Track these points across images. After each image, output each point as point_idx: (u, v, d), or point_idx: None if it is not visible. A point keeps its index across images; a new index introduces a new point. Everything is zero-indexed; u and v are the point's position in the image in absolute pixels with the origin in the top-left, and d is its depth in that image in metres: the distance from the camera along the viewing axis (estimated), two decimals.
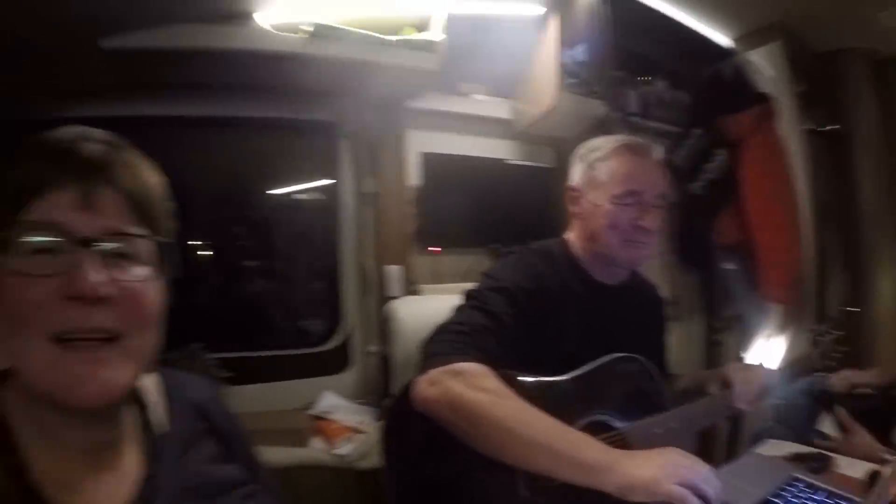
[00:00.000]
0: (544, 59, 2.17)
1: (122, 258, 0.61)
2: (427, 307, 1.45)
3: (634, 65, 2.52)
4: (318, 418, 1.96)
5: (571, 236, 1.35)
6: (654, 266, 2.39)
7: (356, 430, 1.87)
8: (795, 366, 1.51)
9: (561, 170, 1.37)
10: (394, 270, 2.17)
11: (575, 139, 2.16)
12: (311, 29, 1.48)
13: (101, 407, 0.61)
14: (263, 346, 2.22)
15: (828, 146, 2.52)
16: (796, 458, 1.22)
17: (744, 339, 2.38)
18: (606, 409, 1.16)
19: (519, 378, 1.10)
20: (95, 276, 0.57)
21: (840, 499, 1.03)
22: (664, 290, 2.38)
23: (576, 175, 1.33)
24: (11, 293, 0.57)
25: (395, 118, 2.18)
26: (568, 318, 1.24)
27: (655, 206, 1.25)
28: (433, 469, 1.13)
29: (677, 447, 0.93)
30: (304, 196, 2.44)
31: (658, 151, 1.31)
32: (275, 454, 1.61)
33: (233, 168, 2.28)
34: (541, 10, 2.11)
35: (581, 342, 1.22)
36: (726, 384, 1.29)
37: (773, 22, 2.33)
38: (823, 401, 1.53)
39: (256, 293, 2.46)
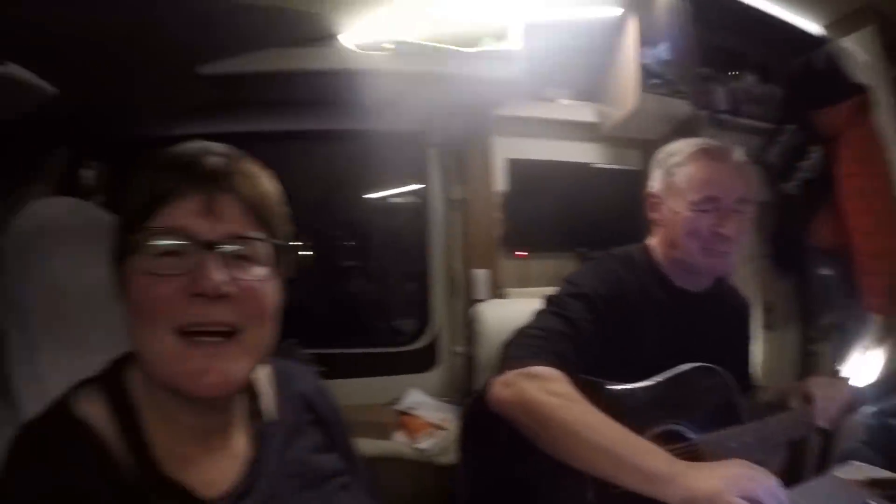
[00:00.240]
0: (625, 60, 2.15)
1: (241, 259, 0.66)
2: (511, 310, 1.48)
3: (720, 60, 2.43)
4: (403, 413, 2.06)
5: (653, 242, 1.34)
6: (746, 271, 2.31)
7: (438, 427, 1.95)
8: (891, 382, 1.40)
9: (647, 172, 1.36)
10: (481, 274, 2.23)
11: (661, 141, 2.13)
12: (393, 46, 1.57)
13: (220, 397, 0.67)
14: (356, 344, 2.36)
15: None
16: (873, 484, 1.13)
17: (841, 351, 2.23)
18: (681, 419, 1.15)
19: (593, 383, 1.11)
20: (217, 275, 0.62)
21: None
22: (756, 297, 2.32)
23: (655, 181, 1.32)
24: (141, 290, 0.63)
25: (480, 126, 2.23)
26: (647, 326, 1.23)
27: (736, 211, 1.21)
28: (505, 468, 1.16)
29: (751, 462, 0.92)
30: (398, 199, 2.59)
31: (739, 154, 1.26)
32: (360, 445, 1.70)
33: (330, 175, 2.47)
34: (618, 11, 2.09)
35: (660, 350, 1.21)
36: (808, 399, 1.22)
37: (865, 5, 2.14)
38: None
39: (351, 292, 2.66)
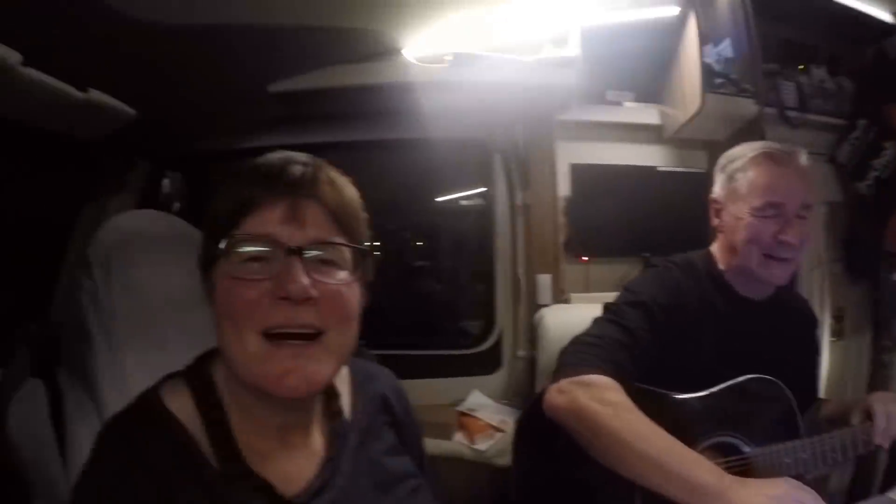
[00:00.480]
0: (686, 60, 2.10)
1: (325, 264, 0.67)
2: (573, 316, 1.49)
3: (787, 54, 2.36)
4: (464, 414, 2.09)
5: (715, 249, 1.32)
6: (815, 276, 2.23)
7: (497, 429, 1.97)
8: None
9: (713, 175, 1.35)
10: (544, 279, 2.23)
11: (727, 141, 2.10)
12: (452, 58, 1.60)
13: (303, 397, 0.68)
14: (424, 346, 2.41)
15: None
16: None
17: None
18: (736, 431, 1.14)
19: (649, 392, 1.12)
20: (302, 279, 0.63)
21: None
22: (825, 304, 2.24)
23: (717, 186, 1.30)
24: (230, 294, 0.65)
25: (543, 132, 2.23)
26: (707, 335, 1.22)
27: (799, 218, 1.18)
28: (557, 472, 1.18)
29: (806, 478, 0.92)
30: (467, 202, 2.66)
31: (802, 157, 1.23)
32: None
33: (401, 181, 2.57)
34: (675, 10, 2.05)
35: (719, 359, 1.20)
36: (868, 416, 1.15)
37: None
38: None
39: (421, 293, 2.76)
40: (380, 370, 0.93)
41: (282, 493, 0.68)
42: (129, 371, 1.19)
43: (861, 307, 2.38)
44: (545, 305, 2.17)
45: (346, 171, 0.75)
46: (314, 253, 0.67)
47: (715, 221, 1.30)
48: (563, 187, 2.28)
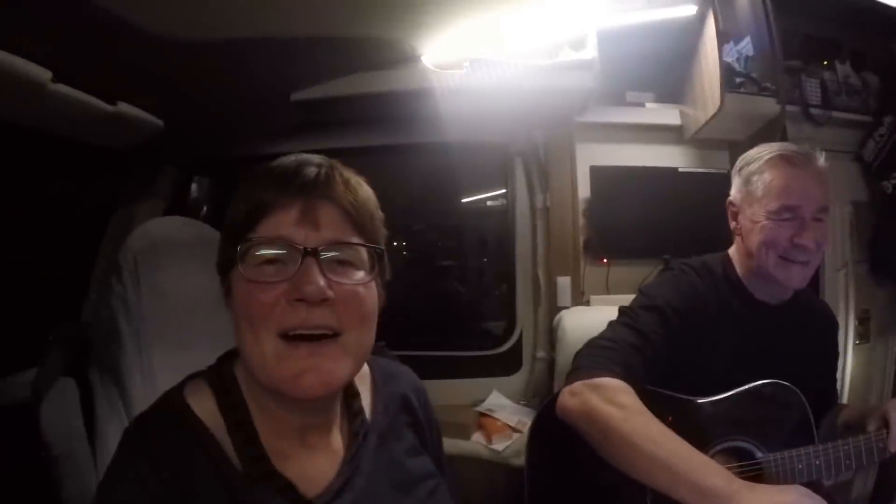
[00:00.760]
0: (706, 60, 2.08)
1: (341, 264, 0.68)
2: (592, 318, 1.50)
3: (810, 50, 2.30)
4: (483, 415, 2.10)
5: (733, 252, 1.31)
6: (839, 278, 2.19)
7: (515, 429, 1.98)
8: None
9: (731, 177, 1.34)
10: (564, 281, 2.24)
11: (749, 141, 2.07)
12: (469, 64, 1.62)
13: (320, 398, 0.68)
14: (446, 346, 2.44)
15: None
16: None
17: None
18: (750, 435, 1.14)
19: (662, 395, 1.13)
20: (318, 280, 0.64)
21: None
22: (849, 306, 2.19)
23: (734, 189, 1.29)
24: (246, 297, 0.65)
25: (562, 134, 2.24)
26: (722, 339, 1.21)
27: (816, 220, 1.17)
28: (569, 474, 1.19)
29: (827, 484, 0.91)
30: (491, 203, 2.69)
31: (820, 159, 1.21)
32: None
33: (424, 183, 2.64)
34: (693, 9, 2.03)
35: (735, 363, 1.19)
36: (885, 423, 1.12)
37: None
38: None
39: (442, 296, 2.80)
40: (401, 370, 0.92)
41: (303, 493, 0.68)
42: (156, 370, 1.24)
43: (887, 309, 2.32)
44: (565, 307, 2.18)
45: (372, 175, 0.75)
46: (330, 254, 0.67)
47: (732, 224, 1.30)
48: (584, 189, 2.28)
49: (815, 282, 1.96)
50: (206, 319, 1.21)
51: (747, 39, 2.12)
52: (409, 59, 1.60)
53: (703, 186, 2.29)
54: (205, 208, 2.37)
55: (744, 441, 1.14)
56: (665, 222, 2.27)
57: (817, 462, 1.10)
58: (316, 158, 0.71)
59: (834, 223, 2.20)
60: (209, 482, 0.64)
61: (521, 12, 1.49)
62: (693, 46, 2.14)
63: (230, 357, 0.74)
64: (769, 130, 2.07)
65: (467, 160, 2.39)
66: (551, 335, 2.16)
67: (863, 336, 2.24)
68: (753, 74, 2.08)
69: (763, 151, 1.24)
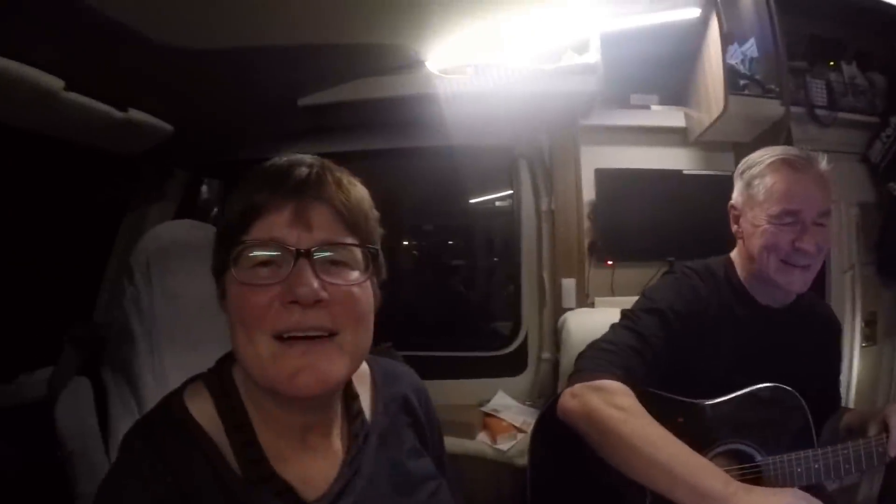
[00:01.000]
0: (709, 62, 2.08)
1: (335, 265, 0.67)
2: (595, 320, 1.50)
3: (815, 51, 2.30)
4: (488, 415, 2.12)
5: (735, 255, 1.31)
6: (846, 280, 2.19)
7: (519, 430, 2.00)
8: None
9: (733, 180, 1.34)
10: (569, 283, 2.25)
11: (754, 143, 2.07)
12: (473, 69, 1.64)
13: (316, 396, 0.66)
14: (453, 347, 2.45)
15: None
16: None
17: None
18: (750, 438, 1.14)
19: (662, 398, 1.14)
20: (311, 282, 0.63)
21: None
22: (856, 308, 2.18)
23: (735, 192, 1.29)
24: (240, 299, 0.65)
25: (567, 137, 2.25)
26: (724, 342, 1.22)
27: (817, 225, 1.17)
28: (570, 474, 1.21)
29: (832, 487, 0.91)
30: (498, 204, 2.71)
31: (822, 163, 1.21)
32: (447, 443, 1.80)
33: (433, 184, 2.66)
34: (696, 11, 2.03)
35: (736, 367, 1.20)
36: (886, 427, 1.11)
37: None
38: None
39: (449, 297, 2.84)
40: (402, 370, 0.91)
41: (303, 496, 0.68)
42: (168, 370, 1.28)
43: (893, 311, 2.32)
44: (570, 309, 2.19)
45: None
46: (323, 255, 0.66)
47: (734, 228, 1.30)
48: (588, 192, 2.29)
49: (821, 284, 1.96)
50: (214, 321, 1.24)
51: (752, 41, 2.12)
52: (413, 64, 1.62)
53: (708, 189, 2.27)
54: (215, 210, 2.41)
55: (744, 444, 1.14)
56: (670, 224, 2.27)
57: (816, 466, 1.10)
58: (308, 159, 0.71)
59: (840, 225, 2.21)
60: (208, 485, 0.64)
61: (523, 17, 1.49)
62: (697, 49, 2.14)
63: (229, 359, 0.74)
64: (774, 132, 2.06)
65: (473, 163, 2.41)
66: (556, 336, 2.17)
67: (869, 338, 2.24)
68: (758, 76, 2.08)
69: (765, 155, 1.24)
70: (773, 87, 2.07)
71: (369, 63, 1.57)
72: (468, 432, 2.01)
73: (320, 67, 1.48)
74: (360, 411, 0.79)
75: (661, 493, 0.98)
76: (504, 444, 1.92)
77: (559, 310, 2.22)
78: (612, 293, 2.28)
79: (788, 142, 1.95)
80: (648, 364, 1.14)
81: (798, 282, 1.20)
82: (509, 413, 2.12)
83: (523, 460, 1.86)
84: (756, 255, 1.21)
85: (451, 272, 2.89)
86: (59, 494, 1.22)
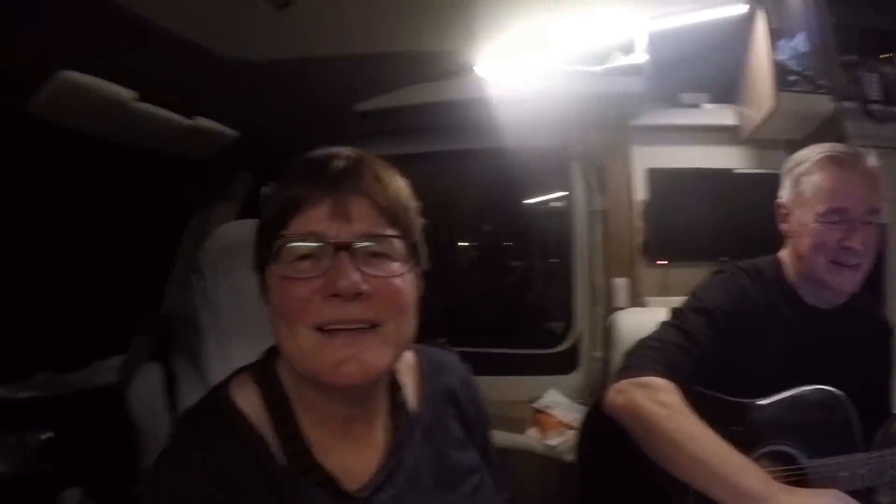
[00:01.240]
0: (757, 59, 2.06)
1: (375, 256, 0.66)
2: (646, 319, 1.49)
3: (867, 43, 2.21)
4: (539, 411, 2.16)
5: (784, 255, 1.30)
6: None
7: (568, 426, 2.03)
8: None
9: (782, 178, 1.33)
10: (620, 282, 2.27)
11: (806, 140, 2.03)
12: (520, 74, 1.68)
13: (360, 386, 0.67)
14: (505, 344, 2.50)
15: None
16: None
17: None
18: (794, 440, 1.13)
19: (707, 396, 1.14)
20: (352, 275, 0.63)
21: None
22: None
23: (784, 191, 1.28)
24: (282, 294, 0.65)
25: (617, 138, 2.27)
26: (772, 343, 1.21)
27: (865, 223, 1.15)
28: (617, 469, 1.23)
29: (882, 493, 0.91)
30: (548, 207, 2.77)
31: (869, 160, 1.19)
32: (497, 436, 1.84)
33: (490, 186, 2.72)
34: (744, 7, 2.00)
35: (783, 368, 1.19)
36: None
37: None
38: None
39: (509, 291, 2.91)
40: (450, 361, 0.90)
41: (344, 486, 0.68)
42: (233, 354, 1.35)
43: None
44: (621, 308, 2.21)
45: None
46: (363, 245, 0.65)
47: (783, 227, 1.28)
48: (640, 192, 2.30)
49: (879, 285, 1.91)
50: None
51: (801, 35, 2.08)
52: (463, 69, 1.66)
53: (760, 187, 2.16)
54: None
55: (788, 446, 1.14)
56: (723, 224, 2.26)
57: (861, 471, 1.08)
58: (345, 151, 0.71)
59: None
60: (252, 475, 0.65)
61: (569, 19, 1.51)
62: (745, 45, 2.12)
63: (273, 352, 0.75)
64: (826, 129, 2.02)
65: (528, 164, 2.44)
66: (607, 336, 2.19)
67: None
68: (808, 72, 2.04)
69: (812, 152, 1.23)
70: (824, 82, 2.03)
71: (421, 70, 1.62)
72: (519, 428, 2.06)
73: (373, 75, 1.54)
74: (405, 402, 0.79)
75: (701, 490, 0.98)
76: (554, 440, 1.95)
77: (611, 309, 2.25)
78: (666, 293, 2.27)
79: (842, 138, 1.90)
80: (694, 362, 1.15)
81: (849, 282, 1.18)
82: (560, 410, 2.15)
83: (571, 456, 1.88)
84: (805, 255, 1.20)
85: (508, 272, 2.94)
86: (129, 477, 1.31)
